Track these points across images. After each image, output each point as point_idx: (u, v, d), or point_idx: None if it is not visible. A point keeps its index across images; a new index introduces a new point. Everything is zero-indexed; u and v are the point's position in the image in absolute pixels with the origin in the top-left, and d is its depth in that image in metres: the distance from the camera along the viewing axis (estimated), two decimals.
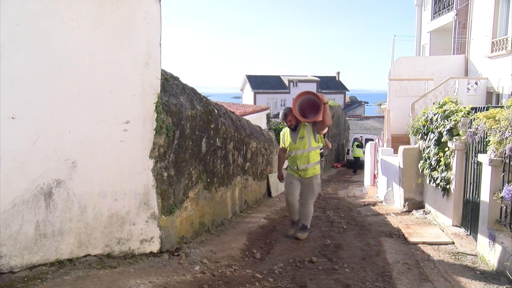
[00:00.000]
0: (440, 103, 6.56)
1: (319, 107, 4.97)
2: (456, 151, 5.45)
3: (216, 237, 5.01)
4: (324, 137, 8.54)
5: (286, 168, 5.50)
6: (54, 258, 3.53)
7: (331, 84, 50.74)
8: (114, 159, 3.73)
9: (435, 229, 5.65)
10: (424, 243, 4.94)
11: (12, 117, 3.28)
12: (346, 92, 51.91)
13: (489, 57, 12.22)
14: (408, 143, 10.38)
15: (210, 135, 5.15)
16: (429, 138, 6.45)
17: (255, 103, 40.53)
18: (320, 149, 8.82)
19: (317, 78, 49.60)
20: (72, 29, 3.47)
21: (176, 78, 4.59)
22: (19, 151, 3.33)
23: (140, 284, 3.31)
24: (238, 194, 6.66)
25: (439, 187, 5.97)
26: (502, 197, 3.85)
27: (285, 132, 5.39)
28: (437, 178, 6.01)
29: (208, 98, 5.56)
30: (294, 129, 5.26)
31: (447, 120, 5.78)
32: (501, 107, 4.73)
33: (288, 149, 5.30)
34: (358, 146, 21.15)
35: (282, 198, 9.17)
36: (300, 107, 5.16)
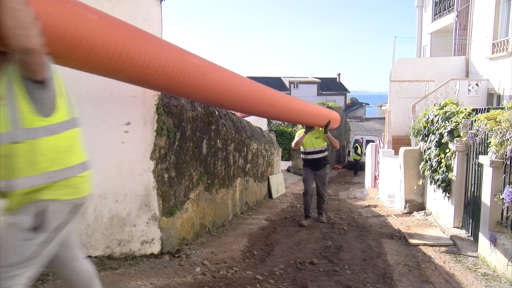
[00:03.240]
0: (441, 105, 6.56)
1: None
2: (457, 152, 5.45)
3: (217, 239, 5.01)
4: (326, 132, 6.57)
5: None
6: None
7: (332, 85, 50.75)
8: (115, 160, 3.73)
9: (436, 230, 5.65)
10: (425, 244, 4.94)
11: None
12: (347, 94, 51.90)
13: (490, 59, 12.21)
14: (409, 144, 10.38)
15: (211, 136, 5.15)
16: (430, 140, 6.44)
17: None
18: (325, 150, 6.53)
19: (318, 80, 49.62)
20: None
21: None
22: None
23: (141, 285, 3.31)
24: (239, 195, 6.65)
25: (440, 188, 5.96)
26: (503, 198, 3.85)
27: None
28: (438, 179, 6.00)
29: None
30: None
31: (448, 122, 5.78)
32: (502, 108, 4.73)
33: None
34: (354, 148, 21.60)
35: (283, 200, 9.17)
36: None
